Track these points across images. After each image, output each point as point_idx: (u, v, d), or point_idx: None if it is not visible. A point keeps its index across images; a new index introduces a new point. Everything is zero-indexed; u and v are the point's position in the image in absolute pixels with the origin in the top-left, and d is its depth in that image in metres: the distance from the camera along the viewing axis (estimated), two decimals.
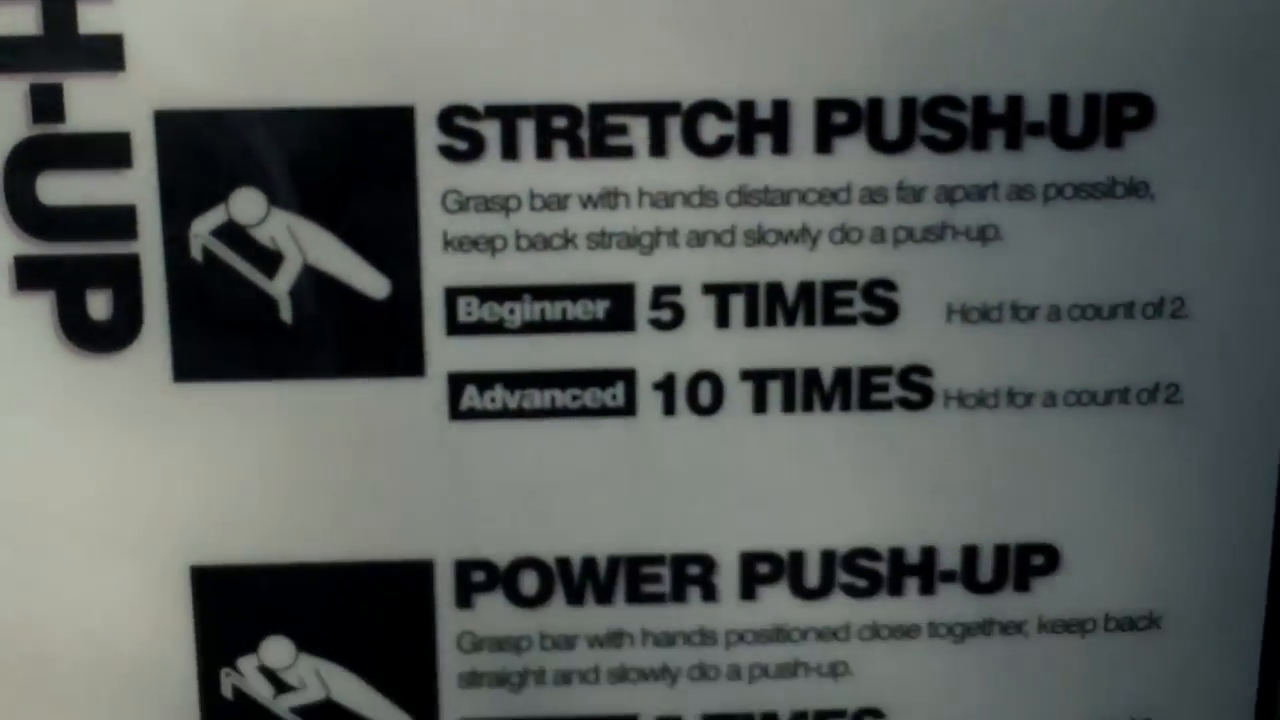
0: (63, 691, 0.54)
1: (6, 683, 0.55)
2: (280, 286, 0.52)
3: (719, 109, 0.51)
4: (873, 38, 0.51)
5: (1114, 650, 0.56)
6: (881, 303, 0.53)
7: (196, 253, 0.51)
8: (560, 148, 0.51)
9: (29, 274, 0.51)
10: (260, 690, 0.55)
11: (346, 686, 0.55)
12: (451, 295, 0.52)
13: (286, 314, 0.52)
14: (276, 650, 0.55)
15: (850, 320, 0.53)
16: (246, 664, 0.55)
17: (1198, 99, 0.52)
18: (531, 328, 0.52)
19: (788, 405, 0.53)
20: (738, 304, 0.53)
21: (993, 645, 0.56)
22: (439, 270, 0.52)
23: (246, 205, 0.51)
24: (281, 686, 0.55)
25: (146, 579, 0.54)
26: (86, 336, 0.52)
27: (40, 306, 0.51)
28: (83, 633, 0.54)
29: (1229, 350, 0.54)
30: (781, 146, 0.52)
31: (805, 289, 0.53)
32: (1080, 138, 0.52)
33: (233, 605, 0.54)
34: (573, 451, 0.53)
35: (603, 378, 0.53)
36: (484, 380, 0.53)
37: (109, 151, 0.51)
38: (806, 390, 0.53)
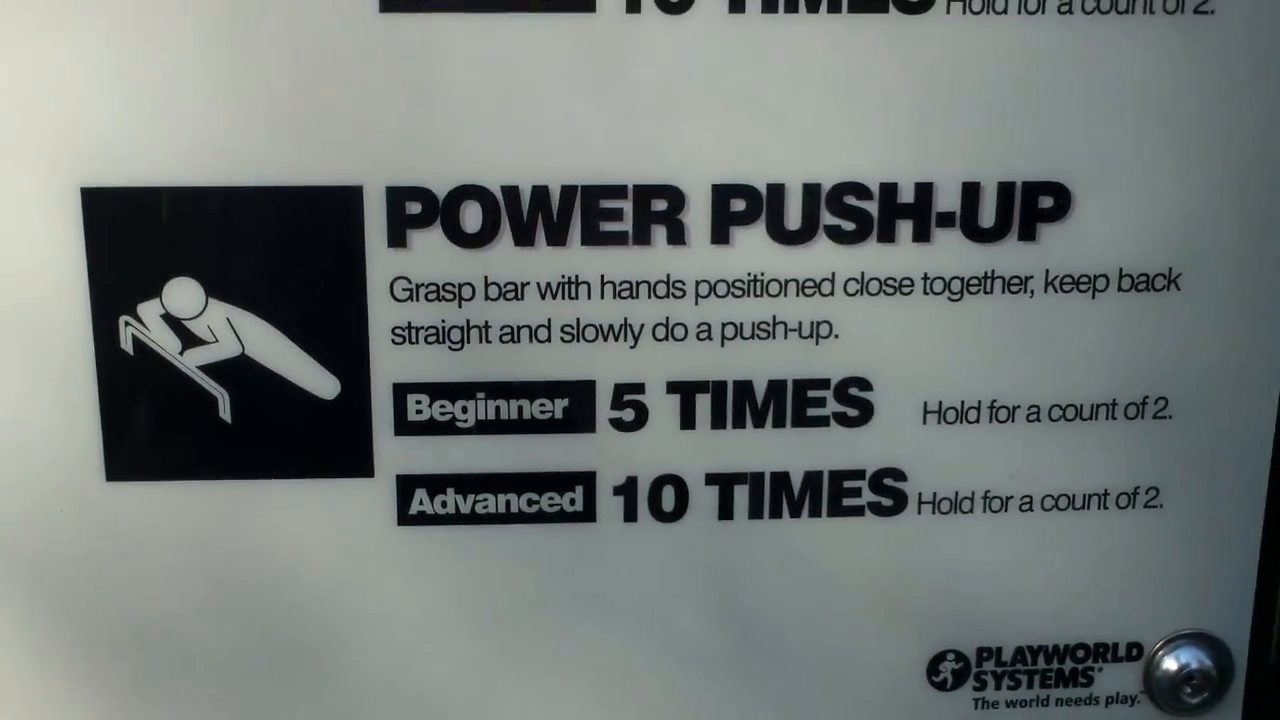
0: None
1: None
2: None
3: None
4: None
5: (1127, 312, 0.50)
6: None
7: None
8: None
9: None
10: (165, 342, 0.48)
11: (264, 340, 0.48)
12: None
13: None
14: (183, 294, 0.48)
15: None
16: (148, 311, 0.48)
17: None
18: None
19: (768, 3, 0.46)
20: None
21: (993, 304, 0.49)
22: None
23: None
24: (189, 339, 0.48)
25: (30, 203, 0.47)
26: None
27: None
28: None
29: None
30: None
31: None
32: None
33: (131, 237, 0.47)
34: (535, 52, 0.46)
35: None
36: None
37: None
38: None
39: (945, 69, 0.47)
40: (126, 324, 0.48)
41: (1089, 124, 0.48)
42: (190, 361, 0.48)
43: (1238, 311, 0.50)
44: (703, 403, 0.49)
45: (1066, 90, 0.48)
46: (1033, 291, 0.49)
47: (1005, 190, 0.48)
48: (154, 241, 0.47)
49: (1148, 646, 0.53)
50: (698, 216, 0.48)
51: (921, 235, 0.49)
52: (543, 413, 0.49)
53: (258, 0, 0.45)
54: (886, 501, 0.51)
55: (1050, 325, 0.50)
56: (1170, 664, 0.53)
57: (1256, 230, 0.49)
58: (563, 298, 0.48)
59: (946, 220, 0.49)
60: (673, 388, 0.49)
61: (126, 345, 0.48)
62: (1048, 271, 0.49)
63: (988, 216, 0.48)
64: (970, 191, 0.48)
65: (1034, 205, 0.48)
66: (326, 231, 0.47)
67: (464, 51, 0.46)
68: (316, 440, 0.49)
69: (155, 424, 0.48)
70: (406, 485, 0.49)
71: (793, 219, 0.48)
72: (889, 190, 0.48)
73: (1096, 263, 0.49)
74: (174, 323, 0.48)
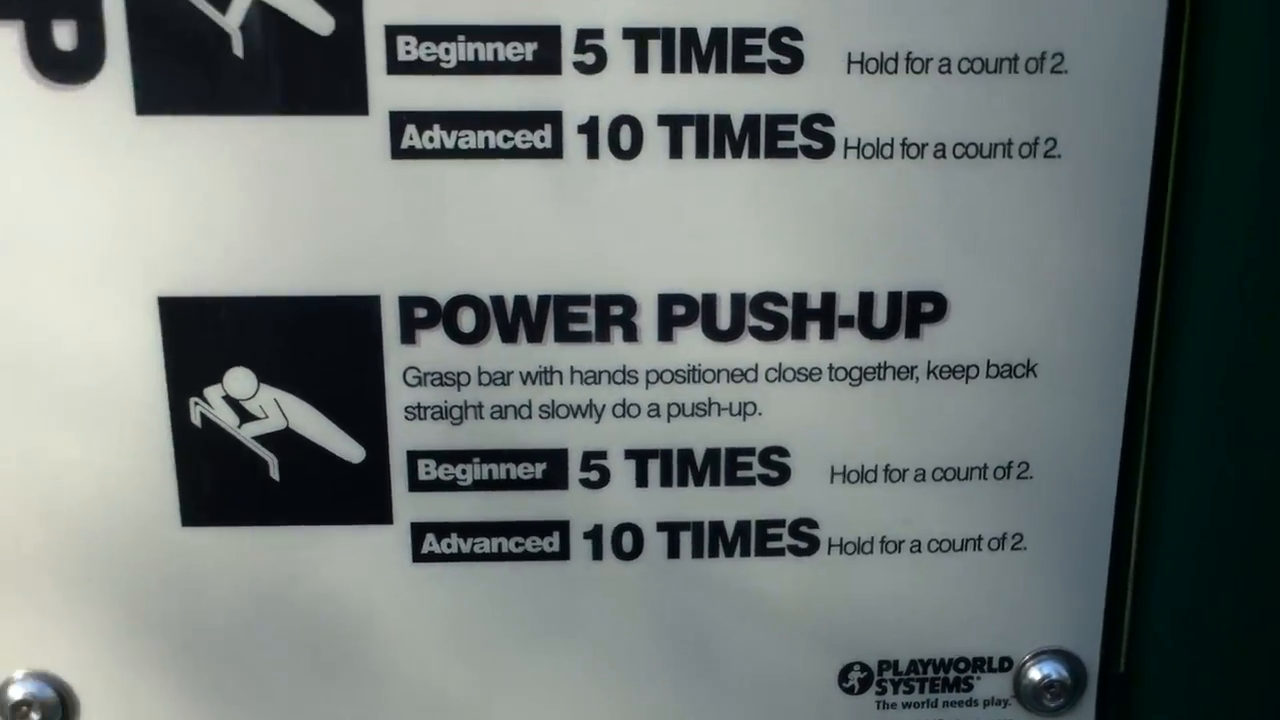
0: (42, 417, 0.59)
1: None
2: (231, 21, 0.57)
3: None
4: None
5: (994, 395, 0.61)
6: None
7: None
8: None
9: None
10: (226, 418, 0.60)
11: (304, 416, 0.60)
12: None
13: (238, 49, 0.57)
14: (239, 381, 0.60)
15: (759, 68, 0.57)
16: (213, 393, 0.60)
17: None
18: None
19: (700, 151, 0.58)
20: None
21: (886, 388, 0.61)
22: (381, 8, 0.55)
23: None
24: (245, 415, 0.60)
25: (117, 311, 0.58)
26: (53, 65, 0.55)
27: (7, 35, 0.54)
28: (60, 360, 0.58)
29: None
30: None
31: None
32: None
33: (198, 336, 0.59)
34: (518, 193, 0.57)
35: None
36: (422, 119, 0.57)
37: None
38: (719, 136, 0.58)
39: (844, 202, 0.57)
40: (196, 404, 0.60)
41: (962, 246, 0.58)
42: (246, 433, 0.61)
43: (1084, 394, 0.60)
44: (653, 466, 0.61)
45: (943, 218, 0.58)
46: (918, 378, 0.60)
47: (894, 298, 0.59)
48: (216, 339, 0.59)
49: (1016, 659, 0.64)
50: (647, 319, 0.59)
51: (827, 334, 0.60)
52: (526, 474, 0.61)
53: (288, 159, 0.56)
54: (802, 545, 0.63)
55: (932, 405, 0.61)
56: (1035, 674, 0.64)
57: (1098, 330, 0.59)
58: (540, 384, 0.60)
59: (847, 322, 0.60)
60: (629, 455, 0.61)
61: (196, 421, 0.60)
62: (929, 363, 0.60)
63: (880, 319, 0.59)
64: (866, 299, 0.59)
65: (918, 310, 0.59)
66: (353, 331, 0.59)
67: (462, 192, 0.57)
68: (347, 495, 0.61)
69: (220, 482, 0.61)
70: (419, 531, 0.61)
71: (723, 321, 0.59)
72: (800, 298, 0.59)
73: (969, 356, 0.60)
74: (233, 403, 0.60)
